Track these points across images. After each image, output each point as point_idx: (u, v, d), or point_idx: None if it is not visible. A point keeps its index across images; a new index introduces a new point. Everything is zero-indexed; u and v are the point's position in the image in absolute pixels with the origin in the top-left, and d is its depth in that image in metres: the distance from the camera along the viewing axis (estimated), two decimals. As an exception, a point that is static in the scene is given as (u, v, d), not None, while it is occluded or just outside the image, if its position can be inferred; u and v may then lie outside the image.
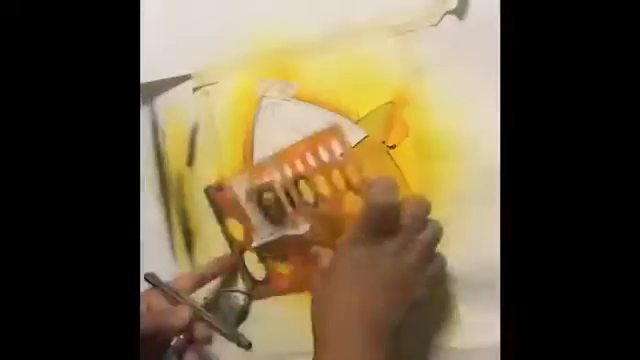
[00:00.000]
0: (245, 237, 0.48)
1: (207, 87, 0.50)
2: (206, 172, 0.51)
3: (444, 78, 0.43)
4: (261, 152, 0.48)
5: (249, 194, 0.46)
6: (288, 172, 0.44)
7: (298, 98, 0.47)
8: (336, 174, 0.42)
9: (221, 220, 0.49)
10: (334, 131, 0.42)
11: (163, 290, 0.45)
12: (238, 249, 0.48)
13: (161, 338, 0.43)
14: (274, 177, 0.45)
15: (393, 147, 0.44)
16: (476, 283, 0.42)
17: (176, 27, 0.49)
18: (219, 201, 0.48)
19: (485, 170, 0.41)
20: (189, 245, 0.53)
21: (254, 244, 0.47)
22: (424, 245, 0.39)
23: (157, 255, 0.52)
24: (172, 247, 0.53)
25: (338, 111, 0.46)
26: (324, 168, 0.43)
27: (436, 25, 0.43)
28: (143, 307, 0.44)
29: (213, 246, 0.51)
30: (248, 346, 0.43)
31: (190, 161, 0.51)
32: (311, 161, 0.43)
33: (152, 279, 0.46)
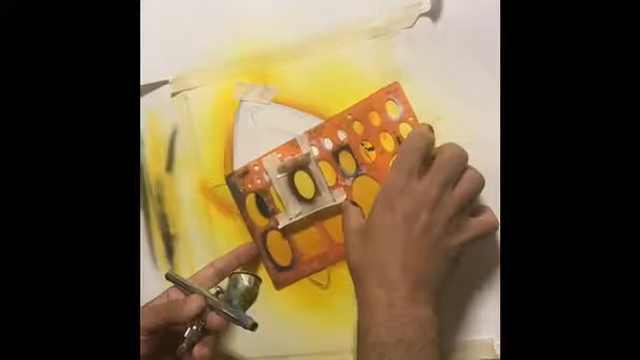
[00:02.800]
0: (268, 222, 0.48)
1: (186, 92, 0.50)
2: (186, 177, 0.51)
3: (420, 79, 0.44)
4: (241, 156, 0.48)
5: (280, 171, 0.46)
6: (327, 145, 0.46)
7: (277, 102, 0.48)
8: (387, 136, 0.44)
9: (242, 207, 0.49)
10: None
11: (178, 284, 0.46)
12: (261, 235, 0.49)
13: (176, 329, 0.43)
14: (309, 152, 0.46)
15: (372, 149, 0.45)
16: (474, 280, 0.43)
17: (153, 33, 0.49)
18: (242, 187, 0.49)
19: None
20: (170, 250, 0.52)
21: (280, 225, 0.47)
22: (461, 196, 0.39)
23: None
24: (152, 252, 0.53)
25: (317, 113, 0.46)
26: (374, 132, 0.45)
27: (411, 27, 0.44)
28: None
29: (195, 251, 0.51)
30: (253, 327, 0.43)
31: (169, 166, 0.51)
32: (358, 128, 0.45)
33: (171, 277, 0.46)
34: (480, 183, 0.40)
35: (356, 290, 0.40)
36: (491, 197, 0.41)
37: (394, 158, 0.43)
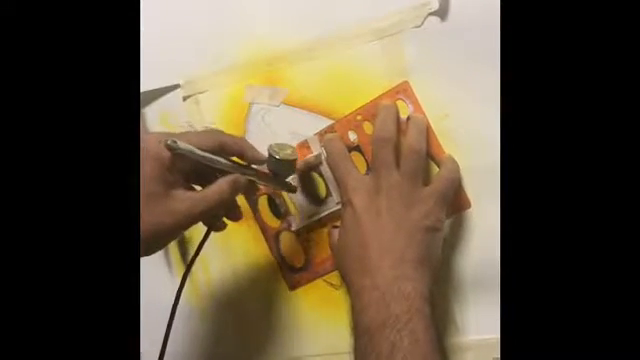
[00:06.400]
0: (281, 224, 0.49)
1: (197, 95, 0.50)
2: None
3: (429, 77, 0.44)
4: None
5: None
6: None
7: (287, 103, 0.48)
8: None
9: (255, 209, 0.49)
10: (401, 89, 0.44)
11: (193, 157, 0.39)
12: (274, 236, 0.49)
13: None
14: (320, 153, 0.46)
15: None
16: (476, 280, 0.43)
17: (164, 38, 0.50)
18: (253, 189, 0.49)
19: (477, 169, 0.43)
20: (184, 255, 0.53)
21: (293, 227, 0.48)
22: (404, 172, 0.40)
23: (153, 267, 0.52)
24: (167, 258, 0.53)
25: (327, 115, 0.47)
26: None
27: (419, 27, 0.44)
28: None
29: (209, 254, 0.51)
30: (294, 189, 0.45)
31: (182, 170, 0.52)
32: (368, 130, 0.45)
33: (177, 148, 0.38)
34: (419, 151, 0.41)
35: (348, 293, 0.41)
36: (497, 194, 0.41)
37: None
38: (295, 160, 0.42)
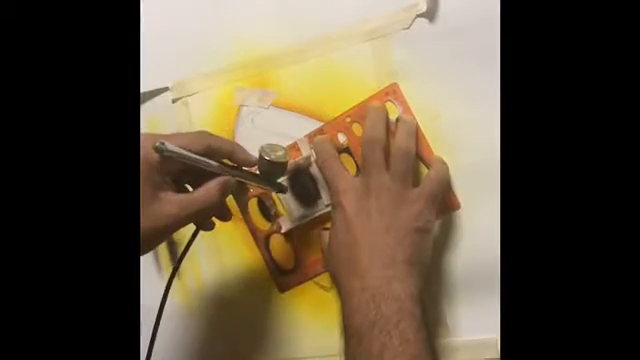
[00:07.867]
0: (271, 226, 0.49)
1: (186, 98, 0.50)
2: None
3: (418, 79, 0.44)
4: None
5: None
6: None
7: (276, 106, 0.48)
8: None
9: (245, 211, 0.49)
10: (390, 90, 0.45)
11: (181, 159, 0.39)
12: (264, 239, 0.49)
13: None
14: (309, 155, 0.46)
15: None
16: (468, 281, 0.43)
17: (153, 40, 0.49)
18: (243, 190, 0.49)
19: (467, 169, 0.43)
20: (174, 256, 0.53)
21: (283, 229, 0.47)
22: (395, 172, 0.41)
23: (142, 267, 0.52)
24: (157, 259, 0.53)
25: (316, 117, 0.47)
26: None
27: (408, 28, 0.44)
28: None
29: (199, 256, 0.51)
30: (284, 189, 0.45)
31: (171, 173, 0.52)
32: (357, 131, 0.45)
33: (166, 150, 0.38)
34: (408, 152, 0.41)
35: (338, 294, 0.41)
36: (490, 195, 0.41)
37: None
38: (287, 162, 0.42)
